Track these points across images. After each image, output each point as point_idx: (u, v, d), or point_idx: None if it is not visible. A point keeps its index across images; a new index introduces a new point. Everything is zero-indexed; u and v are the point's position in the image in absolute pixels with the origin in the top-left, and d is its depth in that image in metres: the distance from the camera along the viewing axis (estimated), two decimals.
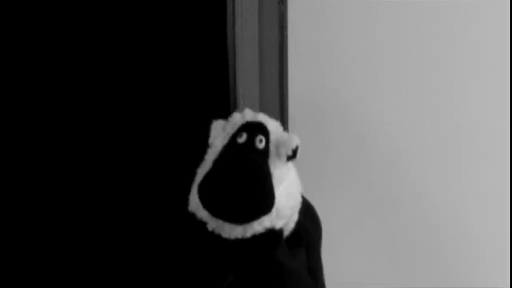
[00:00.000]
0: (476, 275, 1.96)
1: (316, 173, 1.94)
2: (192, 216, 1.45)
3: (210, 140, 1.48)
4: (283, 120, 1.95)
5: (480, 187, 1.94)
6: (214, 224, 1.43)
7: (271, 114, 1.95)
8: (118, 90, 2.00)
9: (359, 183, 1.94)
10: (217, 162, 1.43)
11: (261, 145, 1.44)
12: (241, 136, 1.45)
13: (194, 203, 1.46)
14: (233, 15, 1.94)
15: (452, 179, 1.94)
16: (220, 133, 1.48)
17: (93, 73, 1.98)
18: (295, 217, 1.52)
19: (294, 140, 1.46)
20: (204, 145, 1.50)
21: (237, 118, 1.48)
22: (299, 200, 1.52)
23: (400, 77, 1.90)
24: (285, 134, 1.48)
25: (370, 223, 1.95)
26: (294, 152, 1.45)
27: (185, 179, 1.51)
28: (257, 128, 1.46)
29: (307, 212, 1.56)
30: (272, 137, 1.47)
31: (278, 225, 1.45)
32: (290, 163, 1.49)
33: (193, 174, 1.49)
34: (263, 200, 1.40)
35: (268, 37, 1.95)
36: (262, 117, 1.49)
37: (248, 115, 1.49)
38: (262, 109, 1.97)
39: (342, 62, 1.91)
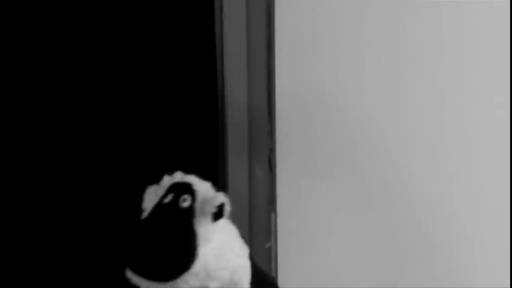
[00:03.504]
0: (476, 275, 1.92)
1: (304, 168, 1.93)
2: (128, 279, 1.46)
3: (143, 206, 1.47)
4: (271, 115, 1.95)
5: (480, 185, 1.90)
6: (144, 285, 1.43)
7: (258, 109, 1.97)
8: (104, 87, 1.99)
9: (347, 177, 1.93)
10: (141, 223, 1.44)
11: (185, 204, 1.44)
12: (167, 197, 1.45)
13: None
14: (221, 9, 1.94)
15: (448, 174, 1.90)
16: (152, 198, 1.47)
17: (83, 71, 1.98)
18: (243, 283, 1.49)
19: (218, 198, 1.44)
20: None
21: (166, 181, 1.48)
22: (235, 263, 1.48)
23: (388, 71, 1.88)
24: (212, 193, 1.47)
25: (360, 217, 1.94)
26: (220, 209, 1.44)
27: None
28: (182, 188, 1.46)
29: (263, 279, 1.54)
30: (200, 196, 1.45)
31: (211, 285, 1.44)
32: (225, 225, 1.48)
33: None
34: (180, 257, 1.40)
35: (256, 31, 1.94)
36: (192, 179, 1.48)
37: (177, 177, 1.49)
38: (250, 104, 1.97)
39: (330, 56, 1.89)
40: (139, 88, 1.99)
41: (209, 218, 1.44)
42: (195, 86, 1.98)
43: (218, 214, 1.43)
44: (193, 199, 1.45)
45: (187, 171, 1.78)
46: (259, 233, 1.98)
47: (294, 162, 1.94)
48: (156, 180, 1.95)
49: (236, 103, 1.96)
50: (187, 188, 1.46)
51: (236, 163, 1.97)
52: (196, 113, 1.98)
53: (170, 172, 1.74)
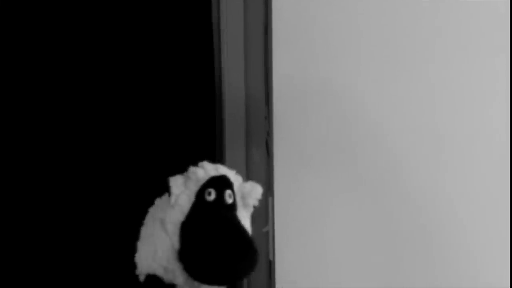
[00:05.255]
0: (476, 275, 1.95)
1: (301, 152, 1.94)
2: (154, 278, 1.44)
3: (173, 199, 1.43)
4: (268, 100, 1.95)
5: (479, 183, 1.93)
6: (188, 285, 1.42)
7: (256, 94, 1.97)
8: (99, 78, 1.97)
9: (344, 161, 1.94)
10: (191, 225, 1.42)
11: (230, 200, 1.44)
12: (209, 193, 1.43)
13: (158, 267, 1.43)
14: None
15: (445, 161, 1.93)
16: (183, 190, 1.45)
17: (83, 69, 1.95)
18: None
19: (258, 189, 1.47)
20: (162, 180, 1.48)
21: (201, 175, 1.45)
22: None
23: (386, 58, 1.90)
24: (247, 184, 1.48)
25: (356, 201, 1.96)
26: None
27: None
28: (223, 183, 1.45)
29: None
30: (235, 188, 1.47)
31: None
32: None
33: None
34: (254, 258, 1.41)
35: (253, 17, 1.95)
36: (223, 170, 1.49)
37: (210, 169, 1.47)
38: (247, 89, 1.97)
39: (326, 42, 1.90)
40: (134, 76, 1.96)
41: (250, 210, 1.48)
42: (192, 72, 1.96)
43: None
44: (233, 192, 1.45)
45: (185, 156, 1.77)
46: (256, 217, 1.94)
47: (291, 146, 1.95)
48: (154, 167, 1.95)
49: (233, 88, 1.96)
50: (227, 182, 1.45)
51: (233, 148, 1.97)
52: (193, 99, 1.97)
53: (166, 157, 1.73)
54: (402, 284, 1.94)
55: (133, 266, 1.68)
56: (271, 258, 1.97)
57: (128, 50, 1.95)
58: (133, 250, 1.50)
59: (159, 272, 1.44)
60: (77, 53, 1.94)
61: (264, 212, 1.97)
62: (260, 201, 1.95)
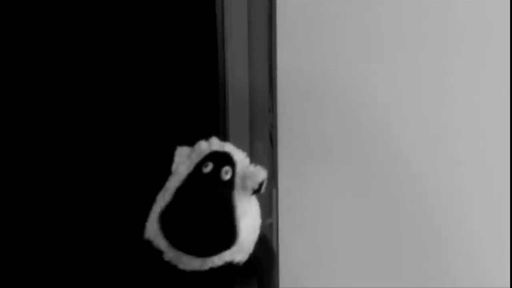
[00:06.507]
0: (476, 275, 1.95)
1: (305, 144, 1.94)
2: (148, 243, 1.43)
3: (174, 167, 1.44)
4: (272, 91, 1.95)
5: (480, 185, 1.92)
6: (171, 254, 1.41)
7: (260, 86, 1.97)
8: (101, 63, 1.96)
9: (348, 153, 1.94)
10: (180, 191, 1.41)
11: (226, 177, 1.43)
12: (206, 166, 1.43)
13: (152, 231, 1.43)
14: None
15: (454, 166, 1.92)
16: (184, 161, 1.45)
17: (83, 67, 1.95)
18: (251, 249, 1.49)
19: (261, 173, 1.44)
20: (166, 170, 1.47)
21: (204, 147, 1.45)
22: (258, 233, 1.49)
23: (393, 49, 1.90)
24: (251, 167, 1.46)
25: (361, 192, 1.96)
26: (260, 185, 1.44)
27: (144, 203, 1.48)
28: (223, 159, 1.44)
29: (261, 242, 1.52)
30: (238, 169, 1.45)
31: (237, 258, 1.44)
32: (253, 196, 1.48)
33: (151, 200, 1.47)
34: (227, 234, 1.40)
35: (257, 7, 1.94)
36: (229, 148, 1.47)
37: (215, 144, 1.46)
38: (251, 80, 1.97)
39: (332, 32, 1.90)
40: (137, 69, 1.96)
41: (249, 193, 1.44)
42: (196, 64, 1.96)
43: (257, 190, 1.44)
44: (233, 171, 1.44)
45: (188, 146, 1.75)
46: (260, 209, 1.98)
47: (295, 139, 1.95)
48: (157, 159, 1.94)
49: (237, 80, 1.96)
50: (228, 159, 1.44)
51: (237, 140, 1.97)
52: (196, 91, 1.97)
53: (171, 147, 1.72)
54: (409, 276, 1.95)
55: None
56: (274, 251, 1.97)
57: (131, 42, 1.95)
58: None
59: (151, 236, 1.43)
60: (83, 51, 1.95)
61: (268, 204, 1.97)
62: (264, 193, 1.98)
